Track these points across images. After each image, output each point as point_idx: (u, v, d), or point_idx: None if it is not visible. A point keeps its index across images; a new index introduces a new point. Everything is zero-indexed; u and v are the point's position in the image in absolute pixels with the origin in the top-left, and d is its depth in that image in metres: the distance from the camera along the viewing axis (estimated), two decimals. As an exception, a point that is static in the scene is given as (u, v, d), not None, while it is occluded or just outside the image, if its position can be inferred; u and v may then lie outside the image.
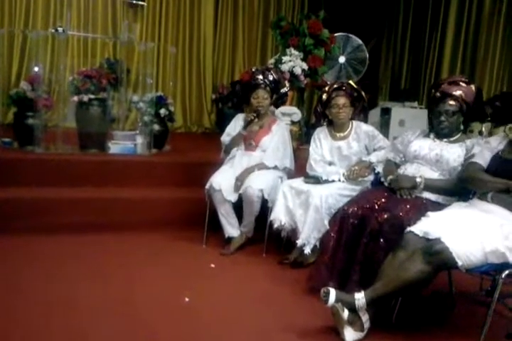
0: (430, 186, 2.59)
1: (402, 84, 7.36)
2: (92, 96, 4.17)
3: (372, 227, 2.42)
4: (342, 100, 3.10)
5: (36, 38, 4.63)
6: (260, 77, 3.43)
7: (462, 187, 2.49)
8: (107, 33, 6.63)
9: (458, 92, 2.62)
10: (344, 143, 3.17)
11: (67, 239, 3.25)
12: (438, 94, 2.68)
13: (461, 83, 2.67)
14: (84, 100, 4.15)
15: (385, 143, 3.18)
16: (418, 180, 2.59)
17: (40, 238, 3.20)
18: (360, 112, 3.26)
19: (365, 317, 2.15)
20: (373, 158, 3.09)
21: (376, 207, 2.52)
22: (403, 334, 2.24)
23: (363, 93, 3.19)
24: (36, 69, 4.42)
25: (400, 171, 2.77)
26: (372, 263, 2.38)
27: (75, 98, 4.17)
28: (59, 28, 4.33)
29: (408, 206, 2.48)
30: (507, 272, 2.05)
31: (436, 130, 2.71)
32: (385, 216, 2.41)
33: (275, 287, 2.73)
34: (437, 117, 2.66)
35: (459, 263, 2.03)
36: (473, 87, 2.68)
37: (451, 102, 2.62)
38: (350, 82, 3.22)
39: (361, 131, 3.17)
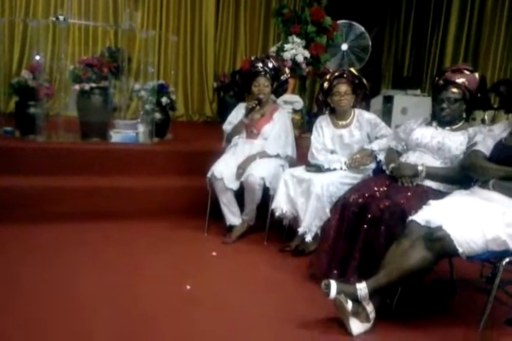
0: (432, 174, 2.58)
1: (404, 72, 7.31)
2: (94, 85, 4.16)
3: (373, 214, 2.41)
4: (343, 87, 3.09)
5: (37, 27, 4.60)
6: (260, 64, 3.42)
7: (464, 175, 2.48)
8: (108, 21, 6.59)
9: (461, 80, 2.60)
10: (346, 131, 3.16)
11: (69, 227, 3.26)
12: (441, 81, 2.66)
13: (465, 71, 2.64)
14: (85, 89, 4.14)
15: (387, 131, 3.16)
16: (420, 168, 2.59)
17: (42, 226, 3.22)
18: (363, 100, 3.25)
19: (370, 307, 2.12)
20: (375, 146, 3.08)
21: (378, 194, 2.52)
22: (404, 321, 2.24)
23: (365, 80, 3.17)
24: (38, 57, 4.40)
25: (402, 159, 2.76)
26: (373, 250, 2.39)
27: (77, 87, 4.16)
28: (60, 17, 4.30)
29: (409, 194, 2.47)
30: (507, 259, 2.06)
31: (438, 117, 2.69)
32: (387, 203, 2.41)
33: (276, 275, 2.74)
34: (439, 104, 2.64)
35: (460, 250, 2.03)
36: (477, 75, 2.66)
37: (454, 90, 2.60)
38: (352, 69, 3.20)
39: (363, 119, 3.15)
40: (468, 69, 2.66)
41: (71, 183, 3.58)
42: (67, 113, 4.43)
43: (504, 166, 2.26)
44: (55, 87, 4.64)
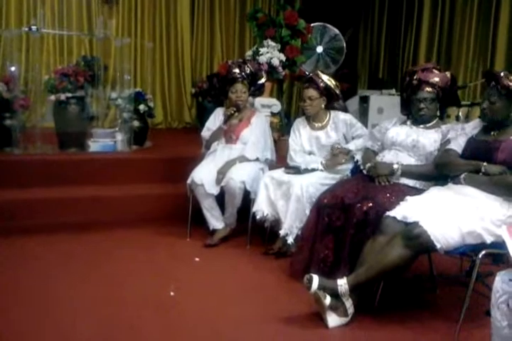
0: (407, 172, 2.63)
1: (380, 72, 7.40)
2: (70, 95, 4.14)
3: (358, 218, 2.44)
4: (309, 92, 3.14)
5: (10, 37, 4.57)
6: (237, 70, 3.43)
7: (438, 172, 2.54)
8: (83, 29, 6.55)
9: (435, 79, 2.66)
10: (323, 132, 3.20)
11: (49, 239, 3.23)
12: (415, 81, 2.71)
13: (434, 70, 2.71)
14: (61, 99, 4.12)
15: (363, 130, 3.21)
16: (395, 166, 2.63)
17: (21, 239, 3.18)
18: (337, 99, 3.28)
19: (348, 303, 2.19)
20: (352, 146, 3.12)
21: (355, 196, 2.54)
22: (386, 317, 2.28)
23: (333, 81, 3.19)
24: (12, 69, 4.36)
25: (378, 158, 2.80)
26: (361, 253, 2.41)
27: (52, 97, 4.14)
28: (33, 26, 4.27)
29: (388, 193, 2.51)
30: (484, 252, 2.10)
31: (416, 117, 2.74)
32: (369, 204, 2.44)
33: (260, 277, 2.76)
34: (416, 105, 2.69)
35: (438, 245, 2.08)
36: (447, 73, 2.73)
37: (428, 89, 2.66)
38: (318, 72, 3.24)
39: (339, 120, 3.19)
40: (437, 69, 2.73)
41: (50, 195, 3.55)
42: (44, 124, 4.39)
43: (474, 160, 2.31)
44: (31, 98, 4.59)
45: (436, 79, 2.66)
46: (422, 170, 2.63)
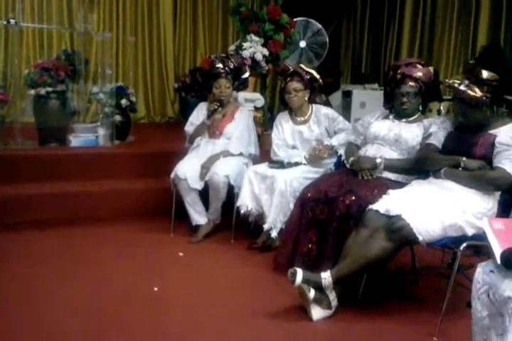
0: (390, 166, 2.65)
1: (362, 67, 7.44)
2: (50, 89, 4.08)
3: (341, 211, 2.46)
4: (294, 85, 3.14)
5: (-12, 31, 4.49)
6: (220, 65, 3.41)
7: (419, 167, 2.56)
8: (63, 23, 6.44)
9: (418, 74, 2.67)
10: (305, 127, 3.21)
11: (33, 235, 3.20)
12: (398, 76, 2.72)
13: (418, 65, 2.72)
14: (41, 93, 4.06)
15: (345, 124, 3.22)
16: (378, 160, 2.65)
17: (5, 235, 3.13)
18: (320, 93, 3.28)
19: (332, 296, 2.21)
20: (334, 141, 3.13)
21: (338, 189, 2.55)
22: (369, 309, 2.31)
23: (316, 74, 3.21)
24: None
25: (361, 152, 2.82)
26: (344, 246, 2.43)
27: (32, 91, 4.07)
28: (11, 20, 4.19)
29: (371, 187, 2.53)
30: (465, 244, 2.13)
31: (398, 111, 2.76)
32: (352, 198, 2.46)
33: (244, 272, 2.76)
34: (399, 99, 2.70)
35: (420, 238, 2.11)
36: (431, 68, 2.75)
37: (412, 83, 2.67)
38: (302, 65, 3.25)
39: (321, 114, 3.20)
40: (420, 64, 2.75)
41: (31, 191, 3.50)
42: (24, 119, 4.31)
43: (453, 155, 2.33)
44: (10, 93, 4.51)
45: (420, 73, 2.67)
46: (404, 164, 2.65)
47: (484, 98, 2.22)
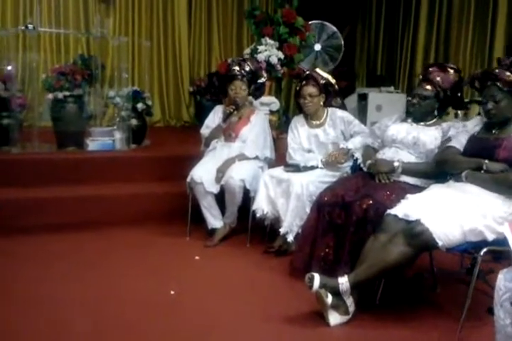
0: (407, 169, 2.62)
1: (378, 69, 7.39)
2: (67, 94, 4.12)
3: (358, 215, 2.44)
4: (309, 89, 3.13)
5: (6, 36, 4.55)
6: (237, 68, 3.42)
7: (439, 169, 2.53)
8: (80, 28, 6.52)
9: (437, 79, 2.65)
10: (321, 130, 3.20)
11: (49, 238, 3.22)
12: (421, 76, 2.72)
13: (448, 69, 2.69)
14: (59, 97, 4.10)
15: (361, 128, 3.20)
16: (396, 164, 2.62)
17: (21, 238, 3.17)
18: (335, 97, 3.27)
19: (349, 301, 2.19)
20: (350, 144, 3.10)
21: (355, 194, 2.54)
22: (387, 315, 2.28)
23: (331, 78, 3.20)
24: (9, 68, 4.33)
25: (379, 156, 2.79)
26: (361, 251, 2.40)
27: (50, 96, 4.12)
28: (29, 25, 4.25)
29: (389, 191, 2.51)
30: (485, 249, 2.09)
31: (407, 111, 2.74)
32: (369, 202, 2.43)
33: (260, 276, 2.75)
34: (410, 99, 2.70)
35: (440, 243, 2.07)
36: (454, 76, 2.68)
37: (427, 87, 2.65)
38: (317, 69, 3.24)
39: (336, 118, 3.19)
40: (452, 68, 2.71)
41: (48, 194, 3.53)
42: (42, 123, 4.37)
43: (476, 158, 2.30)
44: (28, 97, 4.57)
45: (438, 78, 2.64)
46: (422, 168, 2.62)
47: None
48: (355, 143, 3.08)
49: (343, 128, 3.19)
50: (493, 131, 2.33)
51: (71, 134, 4.20)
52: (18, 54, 5.72)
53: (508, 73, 2.24)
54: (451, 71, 2.68)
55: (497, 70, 2.28)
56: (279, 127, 4.67)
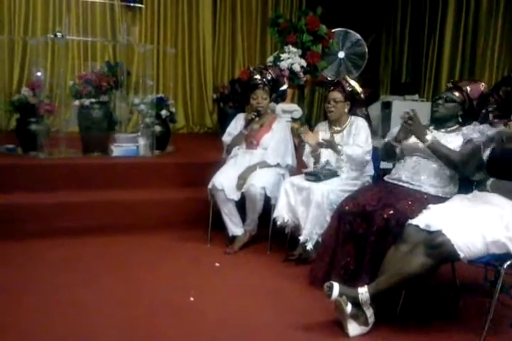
0: (436, 148, 2.54)
1: (402, 77, 7.34)
2: (93, 100, 4.20)
3: (379, 225, 2.43)
4: (334, 94, 3.15)
5: (36, 44, 4.67)
6: (258, 76, 3.44)
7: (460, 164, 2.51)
8: (107, 36, 6.65)
9: (466, 87, 2.65)
10: (339, 136, 3.19)
11: (72, 242, 3.28)
12: (451, 83, 2.73)
13: (479, 83, 2.70)
14: (85, 104, 4.18)
15: (365, 143, 3.11)
16: (429, 137, 2.55)
17: (46, 242, 3.23)
18: (361, 106, 3.26)
19: (369, 312, 2.16)
20: (348, 150, 3.07)
21: (376, 203, 2.52)
22: (407, 327, 2.25)
23: (358, 86, 3.19)
24: (38, 74, 4.44)
25: (400, 165, 2.78)
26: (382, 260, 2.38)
27: (77, 102, 4.21)
28: (58, 33, 4.35)
29: (410, 201, 2.49)
30: (509, 262, 2.06)
31: (431, 115, 2.73)
32: (390, 212, 2.42)
33: (280, 284, 2.75)
34: (436, 101, 2.70)
35: (461, 255, 2.04)
36: (484, 87, 2.69)
37: (456, 93, 2.65)
38: (346, 76, 3.24)
39: (356, 126, 3.17)
40: (481, 83, 2.71)
41: (73, 198, 3.60)
42: (69, 128, 4.46)
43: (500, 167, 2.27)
44: (56, 103, 4.68)
45: (468, 87, 2.65)
46: (450, 154, 2.53)
47: None
48: (351, 150, 3.06)
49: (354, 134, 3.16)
50: None
51: (96, 140, 4.28)
52: (46, 61, 5.88)
53: None
54: (482, 83, 2.69)
55: None
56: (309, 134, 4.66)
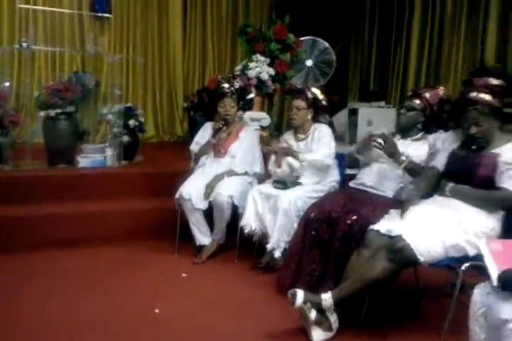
0: (414, 168, 2.58)
1: (371, 85, 7.45)
2: (59, 111, 4.14)
3: (343, 231, 2.47)
4: (297, 102, 3.20)
5: (1, 54, 4.60)
6: (226, 85, 3.46)
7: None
8: (75, 46, 6.59)
9: (426, 94, 2.73)
10: (304, 143, 3.23)
11: (37, 255, 3.21)
12: (411, 91, 2.86)
13: (438, 87, 2.79)
14: (51, 115, 4.12)
15: (327, 148, 3.13)
16: (403, 158, 2.59)
17: (10, 256, 3.16)
18: (323, 113, 3.30)
19: (333, 318, 2.19)
20: (309, 156, 3.10)
21: (340, 209, 2.55)
22: (371, 331, 2.28)
23: (319, 94, 3.24)
24: (7, 84, 4.37)
25: (365, 170, 2.83)
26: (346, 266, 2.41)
27: (42, 113, 4.14)
28: (23, 44, 4.30)
29: (373, 206, 2.53)
30: (467, 264, 2.10)
31: (396, 125, 2.81)
32: (354, 218, 2.46)
33: (247, 292, 2.75)
34: (398, 111, 2.80)
35: (421, 259, 2.09)
36: (440, 92, 2.75)
37: (416, 101, 2.72)
38: (307, 85, 3.30)
39: (319, 131, 3.21)
40: (442, 86, 2.81)
41: (40, 211, 3.54)
42: (35, 140, 4.39)
43: (455, 176, 2.34)
44: (22, 114, 4.60)
45: (427, 94, 2.73)
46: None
47: (497, 103, 2.24)
48: (312, 156, 3.09)
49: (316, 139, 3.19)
50: (472, 148, 2.35)
51: (62, 151, 4.20)
52: (13, 71, 5.80)
53: (483, 95, 2.26)
54: (441, 88, 2.76)
55: (473, 94, 2.29)
56: (270, 143, 4.69)
